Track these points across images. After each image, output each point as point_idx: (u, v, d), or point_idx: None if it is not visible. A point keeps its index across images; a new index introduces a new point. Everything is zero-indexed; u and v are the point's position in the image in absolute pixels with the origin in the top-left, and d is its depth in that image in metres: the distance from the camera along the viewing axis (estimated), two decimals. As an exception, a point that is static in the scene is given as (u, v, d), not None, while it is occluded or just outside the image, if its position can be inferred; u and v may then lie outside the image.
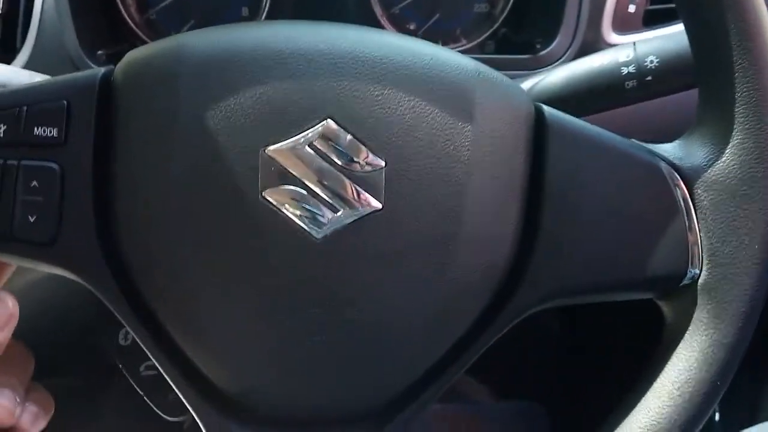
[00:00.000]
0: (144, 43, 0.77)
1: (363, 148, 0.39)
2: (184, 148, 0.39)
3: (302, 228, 0.38)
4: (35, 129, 0.39)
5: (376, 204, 0.39)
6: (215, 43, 0.40)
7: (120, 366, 0.83)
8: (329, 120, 0.38)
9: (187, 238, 0.39)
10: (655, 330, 0.46)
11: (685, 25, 0.43)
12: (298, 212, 0.38)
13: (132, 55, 0.41)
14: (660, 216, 0.42)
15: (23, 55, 0.67)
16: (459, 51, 0.79)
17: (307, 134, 0.38)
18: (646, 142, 0.44)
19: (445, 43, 0.80)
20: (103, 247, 0.40)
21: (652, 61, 0.52)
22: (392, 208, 0.39)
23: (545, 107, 0.43)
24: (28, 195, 0.39)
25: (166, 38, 0.42)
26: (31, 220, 0.39)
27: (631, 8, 0.72)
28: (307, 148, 0.38)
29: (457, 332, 0.41)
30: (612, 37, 0.71)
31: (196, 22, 0.77)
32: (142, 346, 0.42)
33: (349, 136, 0.39)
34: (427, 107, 0.39)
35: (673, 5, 0.73)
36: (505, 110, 0.41)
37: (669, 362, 0.41)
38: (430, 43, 0.43)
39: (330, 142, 0.39)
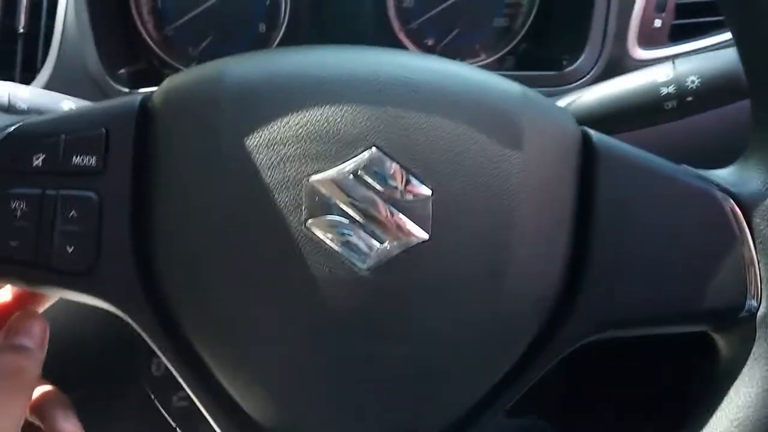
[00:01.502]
0: (161, 60, 0.76)
1: (409, 176, 0.38)
2: (225, 177, 0.38)
3: (348, 260, 0.37)
4: (74, 158, 0.38)
5: (423, 234, 0.37)
6: (257, 69, 0.39)
7: (152, 396, 0.82)
8: (374, 148, 0.37)
9: (230, 270, 0.37)
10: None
11: (737, 41, 0.41)
12: (343, 243, 0.37)
13: (171, 82, 0.40)
14: (716, 246, 0.40)
15: (44, 74, 0.66)
16: (478, 66, 0.79)
17: (352, 163, 0.37)
18: (695, 165, 0.43)
19: (464, 59, 0.79)
20: (142, 278, 0.39)
21: (693, 81, 0.50)
22: (439, 238, 0.38)
23: (592, 132, 0.41)
24: (67, 225, 0.38)
25: (205, 64, 0.41)
26: (69, 250, 0.38)
27: (657, 23, 0.71)
28: (352, 177, 0.37)
29: (506, 365, 0.40)
30: (638, 52, 0.70)
31: (213, 38, 0.76)
32: (179, 378, 0.41)
33: (394, 165, 0.38)
34: (475, 134, 0.38)
35: (699, 19, 0.73)
36: (553, 136, 0.40)
37: (726, 398, 0.40)
38: (475, 68, 0.42)
39: (375, 171, 0.37)
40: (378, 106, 0.38)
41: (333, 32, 0.78)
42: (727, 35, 0.70)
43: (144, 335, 0.40)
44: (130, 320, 0.40)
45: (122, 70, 0.67)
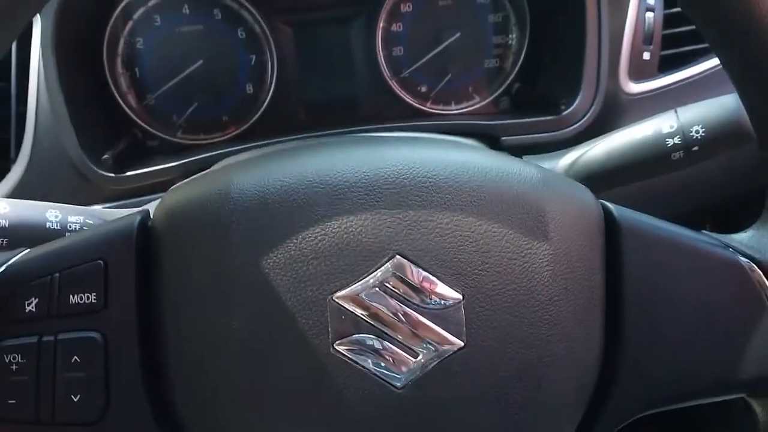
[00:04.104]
0: (145, 131, 0.73)
1: (438, 282, 0.36)
2: (242, 303, 0.35)
3: (382, 379, 0.35)
4: (71, 297, 0.35)
5: (458, 342, 0.36)
6: (266, 178, 0.37)
7: None
8: (398, 256, 0.35)
9: (255, 403, 0.35)
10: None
11: (744, 101, 0.41)
12: (375, 362, 0.35)
13: (172, 198, 0.38)
14: (747, 314, 0.40)
15: (20, 164, 0.62)
16: (472, 108, 0.78)
17: (377, 275, 0.35)
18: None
19: (458, 102, 0.77)
20: (158, 419, 0.36)
21: (698, 131, 0.50)
22: (476, 342, 0.36)
23: (612, 206, 0.40)
24: (70, 372, 0.35)
25: (208, 174, 0.39)
26: (75, 399, 0.35)
27: (646, 55, 0.70)
28: (378, 290, 0.35)
29: None
30: (630, 86, 0.69)
31: (199, 104, 0.74)
32: None
33: (421, 272, 0.35)
34: (500, 229, 0.36)
35: (687, 48, 0.72)
36: (577, 220, 0.38)
37: None
38: (493, 154, 0.40)
39: (402, 280, 0.35)
40: (398, 210, 0.36)
41: (323, 88, 0.76)
42: (712, 62, 0.70)
43: None
44: None
45: (106, 155, 0.64)
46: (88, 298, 0.36)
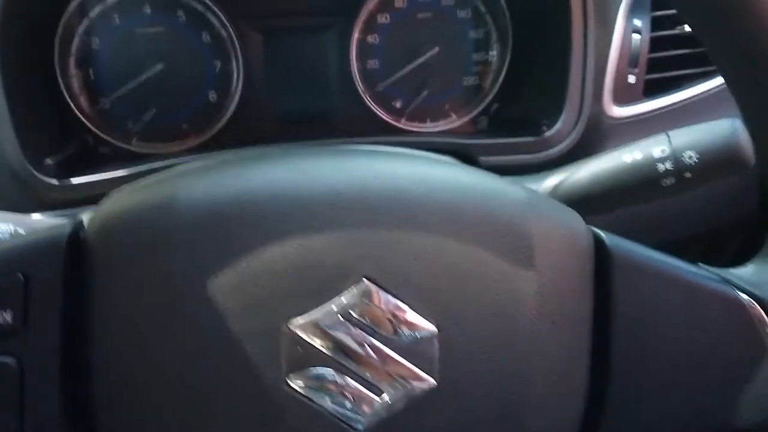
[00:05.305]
0: (97, 137, 0.68)
1: (410, 312, 0.31)
2: (183, 329, 0.30)
3: (341, 420, 0.30)
4: None
5: (430, 379, 0.31)
6: (217, 187, 0.32)
7: None
8: (365, 280, 0.31)
9: None
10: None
11: (748, 125, 0.38)
12: (334, 400, 0.30)
13: (109, 206, 0.33)
14: (745, 355, 0.36)
15: None
16: (449, 127, 0.74)
17: (340, 300, 0.31)
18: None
19: (434, 120, 0.74)
20: None
21: (691, 157, 0.47)
22: (450, 381, 0.31)
23: (604, 234, 0.36)
24: None
25: (151, 180, 0.34)
26: None
27: (631, 79, 0.68)
28: (340, 317, 0.31)
29: None
30: (614, 110, 0.66)
31: (157, 110, 0.68)
32: None
33: (390, 299, 0.31)
34: (481, 253, 0.32)
35: (673, 72, 0.70)
36: (566, 247, 0.34)
37: None
38: (474, 170, 0.36)
39: (368, 308, 0.31)
40: (367, 228, 0.32)
41: (293, 100, 0.71)
42: (699, 89, 0.67)
43: None
44: None
45: (49, 161, 0.58)
46: (2, 317, 0.31)
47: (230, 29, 0.68)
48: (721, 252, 0.68)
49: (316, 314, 0.31)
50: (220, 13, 0.68)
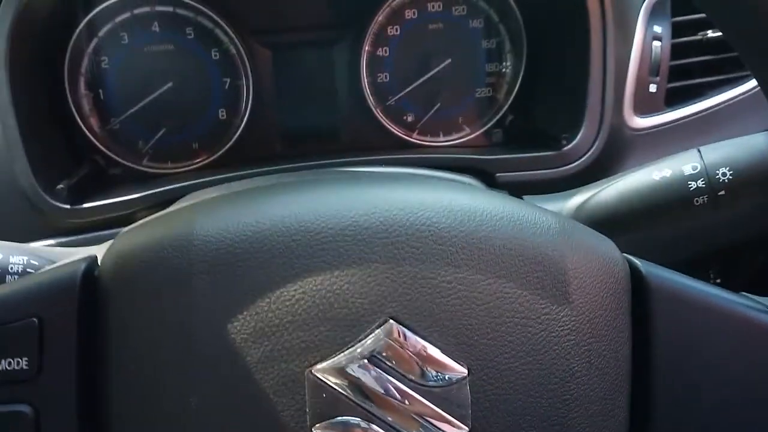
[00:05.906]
0: (108, 158, 0.67)
1: (439, 354, 0.30)
2: (203, 375, 0.29)
3: None
4: None
5: (463, 426, 0.30)
6: (235, 226, 0.31)
7: None
8: (391, 321, 0.30)
9: None
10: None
11: None
12: None
13: (124, 243, 0.32)
14: None
15: None
16: (462, 141, 0.72)
17: (365, 343, 0.29)
18: None
19: (446, 134, 0.72)
20: None
21: (724, 174, 0.45)
22: (483, 427, 0.30)
23: (639, 262, 0.35)
24: None
25: (167, 215, 0.33)
26: None
27: (652, 88, 0.66)
28: (366, 361, 0.29)
29: None
30: (635, 120, 0.64)
31: (167, 129, 0.67)
32: None
33: (419, 340, 0.30)
34: (514, 289, 0.31)
35: (696, 80, 0.68)
36: (602, 280, 0.33)
37: None
38: (502, 197, 0.35)
39: (395, 351, 0.30)
40: (392, 264, 0.30)
41: (303, 115, 0.70)
42: (723, 96, 0.65)
43: None
44: None
45: (61, 185, 0.57)
46: (17, 363, 0.29)
47: (239, 46, 0.67)
48: (738, 268, 0.66)
49: (340, 359, 0.29)
50: (229, 30, 0.67)
